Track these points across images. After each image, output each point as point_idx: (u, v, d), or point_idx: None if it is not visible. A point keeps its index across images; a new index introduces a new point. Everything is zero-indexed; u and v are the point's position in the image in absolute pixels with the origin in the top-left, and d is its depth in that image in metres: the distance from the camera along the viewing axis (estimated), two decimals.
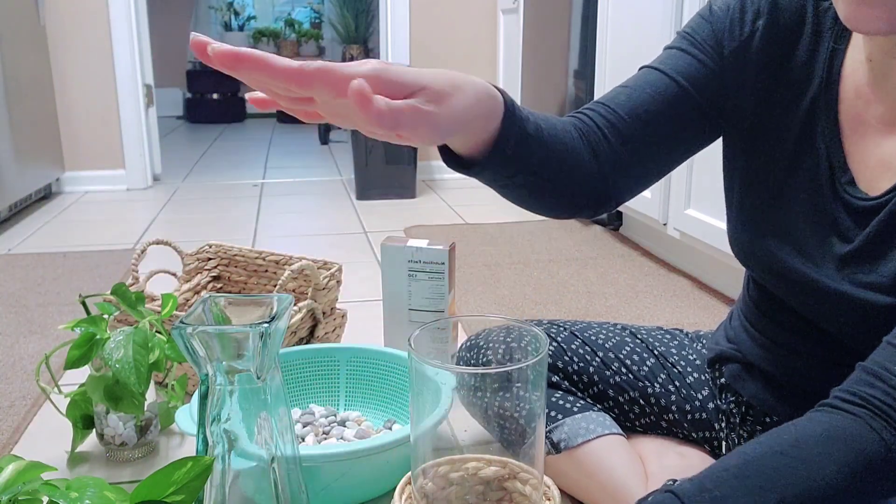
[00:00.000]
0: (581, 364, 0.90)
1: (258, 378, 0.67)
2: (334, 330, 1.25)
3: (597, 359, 0.90)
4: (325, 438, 0.99)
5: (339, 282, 1.23)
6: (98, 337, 0.94)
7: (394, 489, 0.79)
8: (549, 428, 0.86)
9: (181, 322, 0.64)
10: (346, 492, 0.87)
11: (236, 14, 5.81)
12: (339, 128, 4.50)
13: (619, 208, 2.09)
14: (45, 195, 2.77)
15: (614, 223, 2.22)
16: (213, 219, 2.45)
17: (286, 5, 6.08)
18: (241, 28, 5.82)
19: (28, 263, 1.92)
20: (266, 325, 0.64)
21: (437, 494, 0.72)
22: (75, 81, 2.80)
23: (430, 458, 0.72)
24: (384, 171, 2.72)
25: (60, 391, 1.00)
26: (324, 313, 1.20)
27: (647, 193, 1.85)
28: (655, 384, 0.88)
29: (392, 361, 1.07)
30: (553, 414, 0.87)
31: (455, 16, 3.02)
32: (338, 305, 1.26)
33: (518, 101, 2.89)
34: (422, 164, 3.03)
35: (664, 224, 1.79)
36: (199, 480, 0.65)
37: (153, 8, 3.49)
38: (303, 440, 0.98)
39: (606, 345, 0.91)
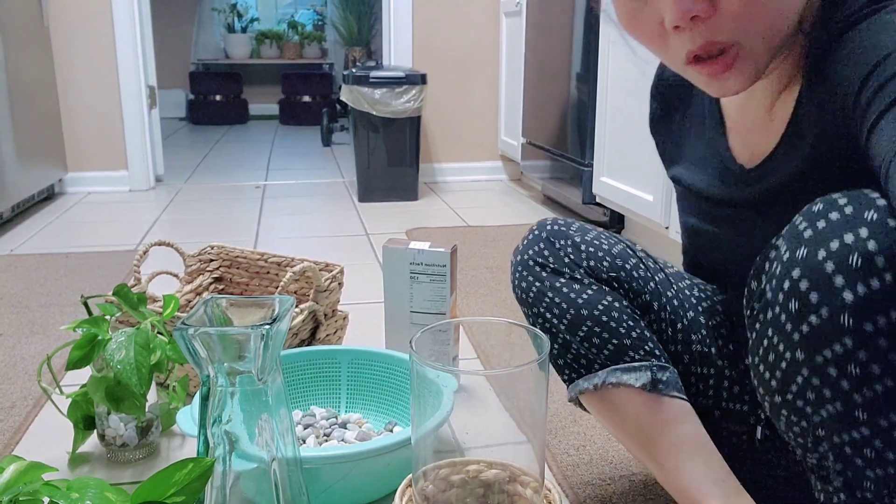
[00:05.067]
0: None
1: (259, 380, 0.67)
2: (336, 332, 1.25)
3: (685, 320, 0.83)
4: (327, 440, 0.99)
5: (340, 284, 1.23)
6: (100, 338, 0.94)
7: (395, 492, 0.78)
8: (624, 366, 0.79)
9: (183, 323, 0.64)
10: (347, 494, 0.87)
11: (239, 16, 5.82)
12: (342, 129, 4.51)
13: (621, 211, 2.08)
14: (48, 196, 2.78)
15: (616, 226, 2.22)
16: (216, 220, 2.45)
17: (289, 7, 6.09)
18: (244, 30, 5.83)
19: (30, 264, 1.93)
20: (267, 326, 0.64)
21: (438, 497, 0.71)
22: (78, 82, 2.81)
23: (431, 461, 0.72)
24: (386, 173, 2.72)
25: (62, 392, 1.00)
26: (325, 315, 1.20)
27: (648, 196, 1.85)
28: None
29: (393, 364, 1.07)
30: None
31: (458, 18, 3.03)
32: (339, 307, 1.26)
33: (521, 106, 2.87)
34: (424, 166, 3.03)
35: (666, 227, 1.79)
36: (199, 482, 0.65)
37: (156, 9, 3.50)
38: (304, 442, 0.98)
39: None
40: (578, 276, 0.80)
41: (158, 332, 0.97)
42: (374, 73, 2.61)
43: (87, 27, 2.77)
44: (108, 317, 0.97)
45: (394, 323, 1.19)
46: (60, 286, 1.74)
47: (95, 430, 1.00)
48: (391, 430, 1.02)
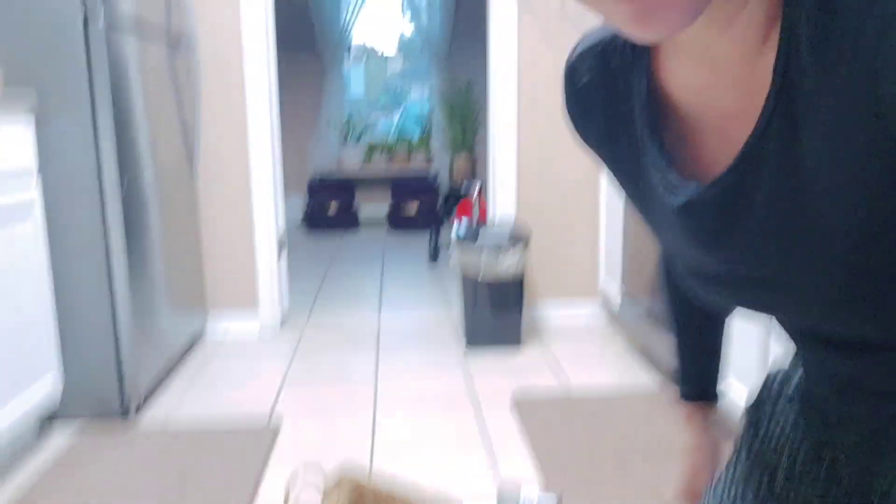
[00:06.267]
0: None
1: None
2: None
3: None
4: None
5: None
6: None
7: None
8: None
9: None
10: None
11: (352, 128, 6.28)
12: (447, 246, 4.76)
13: None
14: (192, 344, 3.03)
15: None
16: (336, 369, 2.70)
17: (398, 118, 6.52)
18: (356, 141, 6.29)
19: (171, 443, 2.19)
20: None
21: None
22: (217, 229, 3.12)
23: None
24: (491, 320, 2.89)
25: None
26: None
27: (742, 387, 1.91)
28: None
29: None
30: None
31: (562, 131, 3.14)
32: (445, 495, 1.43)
33: (620, 252, 2.90)
34: (528, 309, 3.18)
35: None
36: None
37: (284, 124, 3.83)
38: None
39: None
40: None
41: None
42: (480, 240, 2.82)
43: (226, 175, 3.07)
44: None
45: None
46: (210, 470, 1.99)
47: None
48: None
